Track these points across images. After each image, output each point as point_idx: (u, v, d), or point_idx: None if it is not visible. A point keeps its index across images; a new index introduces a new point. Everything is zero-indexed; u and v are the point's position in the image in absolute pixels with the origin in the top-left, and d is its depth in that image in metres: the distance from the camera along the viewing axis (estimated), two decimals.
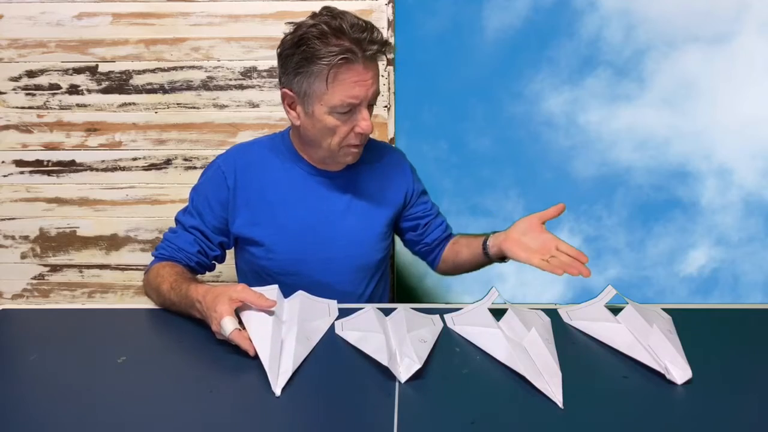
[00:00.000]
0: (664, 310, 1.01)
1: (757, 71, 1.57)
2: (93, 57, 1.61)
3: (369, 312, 1.00)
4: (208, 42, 1.59)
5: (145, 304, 1.09)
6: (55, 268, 1.77)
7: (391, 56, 1.09)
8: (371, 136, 1.14)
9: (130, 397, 0.80)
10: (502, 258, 1.13)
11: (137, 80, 1.62)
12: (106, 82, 1.63)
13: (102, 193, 1.70)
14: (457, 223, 1.59)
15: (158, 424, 0.75)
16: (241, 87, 1.62)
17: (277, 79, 1.59)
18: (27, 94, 1.64)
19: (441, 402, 0.79)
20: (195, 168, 1.67)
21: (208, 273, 1.19)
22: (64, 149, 1.68)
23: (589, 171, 1.65)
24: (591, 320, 0.98)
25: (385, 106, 1.61)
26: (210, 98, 1.63)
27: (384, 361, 0.84)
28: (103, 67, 1.62)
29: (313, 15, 1.02)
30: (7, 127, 1.67)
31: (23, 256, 1.76)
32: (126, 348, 0.92)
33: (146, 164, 1.68)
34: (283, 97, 1.08)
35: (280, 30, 1.19)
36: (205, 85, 1.62)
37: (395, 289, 1.68)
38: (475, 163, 1.65)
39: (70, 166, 1.69)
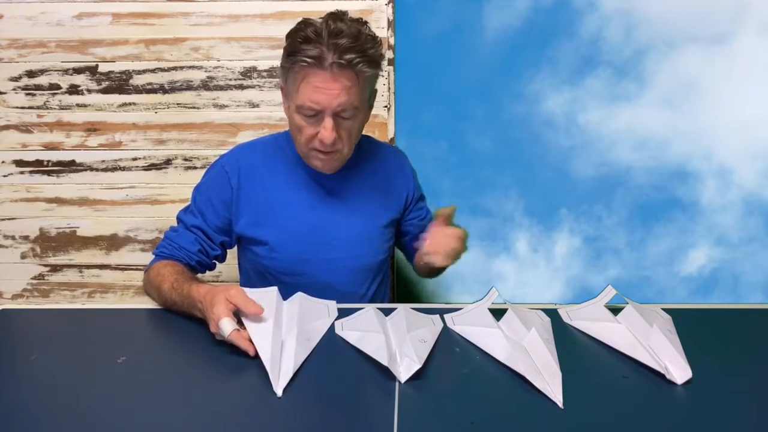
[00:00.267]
0: (664, 310, 1.01)
1: (757, 71, 1.57)
2: (93, 57, 1.61)
3: (369, 312, 1.00)
4: (208, 42, 1.59)
5: (145, 304, 1.09)
6: (55, 268, 1.77)
7: (383, 71, 1.07)
8: (373, 136, 1.13)
9: (130, 397, 0.80)
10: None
11: (137, 80, 1.62)
12: (106, 82, 1.63)
13: (102, 193, 1.70)
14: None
15: (158, 424, 0.74)
16: (241, 87, 1.62)
17: (277, 79, 1.60)
18: (27, 94, 1.64)
19: (441, 402, 0.79)
20: (195, 168, 1.67)
21: (208, 272, 1.19)
22: (64, 149, 1.68)
23: (589, 171, 1.65)
24: (591, 320, 0.98)
25: (385, 106, 1.61)
26: (210, 98, 1.63)
27: (384, 361, 0.84)
28: (103, 67, 1.62)
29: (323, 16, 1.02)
30: (7, 127, 1.67)
31: (23, 256, 1.76)
32: (126, 348, 0.92)
33: (146, 164, 1.68)
34: (281, 89, 1.10)
35: (280, 30, 1.19)
36: (205, 85, 1.62)
37: (395, 289, 1.68)
38: (475, 163, 1.65)
39: (70, 166, 1.69)
